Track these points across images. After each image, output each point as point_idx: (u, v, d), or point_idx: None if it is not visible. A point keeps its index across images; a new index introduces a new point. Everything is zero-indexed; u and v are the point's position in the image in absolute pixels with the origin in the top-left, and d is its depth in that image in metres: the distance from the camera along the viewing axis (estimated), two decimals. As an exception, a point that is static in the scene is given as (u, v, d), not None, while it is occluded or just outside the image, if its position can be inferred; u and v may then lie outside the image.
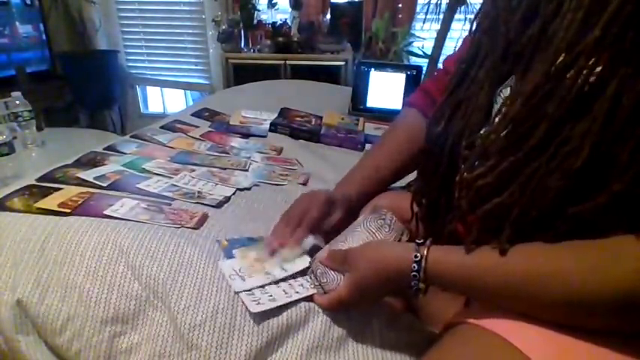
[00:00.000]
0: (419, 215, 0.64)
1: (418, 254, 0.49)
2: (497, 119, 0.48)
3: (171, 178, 0.86)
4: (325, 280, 0.59)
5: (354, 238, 0.61)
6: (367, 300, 0.58)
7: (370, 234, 0.60)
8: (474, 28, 0.58)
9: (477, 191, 0.48)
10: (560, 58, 0.42)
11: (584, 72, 0.40)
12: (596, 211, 0.40)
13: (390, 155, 0.76)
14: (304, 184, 0.97)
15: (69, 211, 0.68)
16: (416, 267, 0.49)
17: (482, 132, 0.52)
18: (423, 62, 2.56)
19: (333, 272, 0.58)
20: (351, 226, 0.64)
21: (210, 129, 1.26)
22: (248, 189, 0.87)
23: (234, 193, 0.84)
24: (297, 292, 0.59)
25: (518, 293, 0.44)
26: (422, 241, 0.51)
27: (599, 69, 0.40)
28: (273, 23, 2.75)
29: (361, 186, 0.74)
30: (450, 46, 2.51)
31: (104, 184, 0.79)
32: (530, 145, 0.43)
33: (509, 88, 0.51)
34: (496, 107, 0.52)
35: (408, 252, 0.50)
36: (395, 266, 0.51)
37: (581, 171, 0.40)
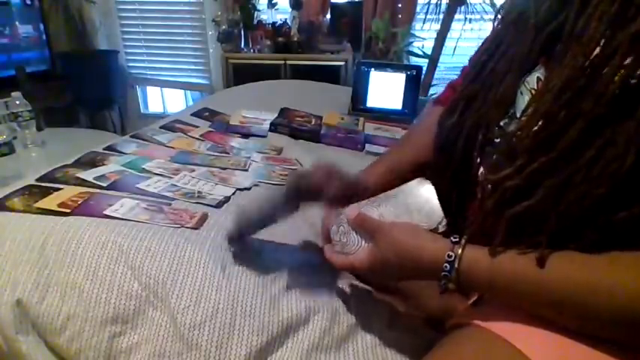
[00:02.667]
0: None
1: (452, 254, 0.46)
2: (525, 115, 0.46)
3: (172, 178, 0.86)
4: (346, 240, 0.57)
5: (388, 208, 0.57)
6: (380, 278, 0.58)
7: (407, 213, 0.56)
8: (497, 21, 0.57)
9: (504, 192, 0.45)
10: (596, 52, 0.40)
11: (622, 69, 0.38)
12: (636, 220, 0.38)
13: (413, 150, 0.73)
14: (304, 184, 0.96)
15: (69, 211, 0.68)
16: (448, 267, 0.46)
17: (502, 125, 0.51)
18: (423, 62, 2.56)
19: (356, 235, 0.56)
20: (390, 192, 0.59)
21: (210, 129, 1.26)
22: (248, 189, 0.87)
23: (234, 193, 0.84)
24: None
25: (559, 303, 0.41)
26: (457, 239, 0.48)
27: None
28: (273, 23, 2.75)
29: (380, 178, 0.71)
30: (450, 46, 2.51)
31: (104, 184, 0.79)
32: (564, 145, 0.41)
33: (535, 77, 0.49)
34: (520, 97, 0.50)
35: (442, 249, 0.47)
36: (426, 262, 0.48)
37: (625, 177, 0.38)
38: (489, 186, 0.49)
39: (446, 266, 0.46)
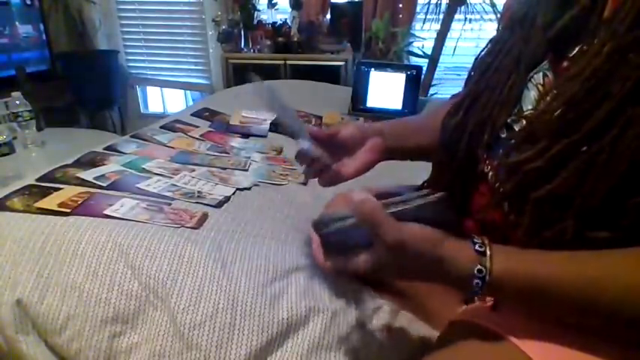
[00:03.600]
0: None
1: (482, 268, 0.43)
2: (545, 101, 0.46)
3: (172, 178, 0.86)
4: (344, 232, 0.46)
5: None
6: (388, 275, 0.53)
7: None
8: (502, 22, 0.58)
9: (525, 176, 0.45)
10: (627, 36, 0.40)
11: None
12: None
13: (425, 127, 0.70)
14: (304, 183, 0.97)
15: (69, 211, 0.68)
16: (479, 283, 0.43)
17: (509, 122, 0.51)
18: (423, 62, 2.56)
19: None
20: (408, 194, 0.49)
21: (210, 129, 1.26)
22: (248, 189, 0.87)
23: (234, 193, 0.84)
24: None
25: (604, 308, 0.40)
26: (482, 247, 0.44)
27: None
28: (273, 23, 2.75)
29: (394, 131, 0.68)
30: (450, 46, 2.52)
31: (104, 184, 0.79)
32: (590, 126, 0.40)
33: (541, 73, 0.50)
34: (527, 93, 0.51)
35: (468, 263, 0.43)
36: (451, 277, 0.44)
37: None
38: (501, 173, 0.48)
39: (477, 282, 0.43)
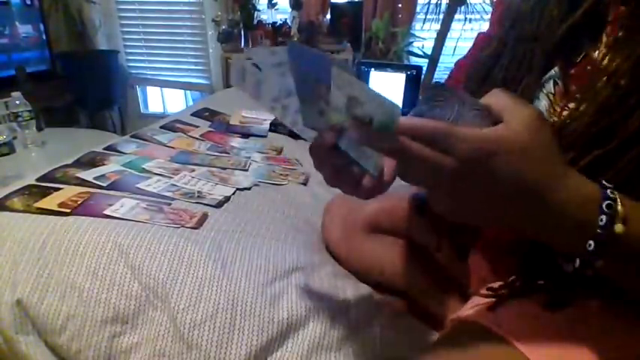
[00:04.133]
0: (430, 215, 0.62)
1: (612, 201, 0.34)
2: (566, 111, 0.44)
3: (171, 178, 0.86)
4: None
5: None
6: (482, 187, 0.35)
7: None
8: (496, 15, 0.56)
9: None
10: None
11: None
12: None
13: None
14: (304, 183, 0.97)
15: (69, 211, 0.68)
16: (604, 219, 0.34)
17: None
18: (423, 62, 2.56)
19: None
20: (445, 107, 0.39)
21: (210, 129, 1.26)
22: (248, 189, 0.87)
23: (234, 193, 0.84)
24: None
25: None
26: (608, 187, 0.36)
27: None
28: (273, 23, 2.75)
29: None
30: (450, 46, 2.52)
31: (104, 184, 0.79)
32: (624, 135, 0.38)
33: (551, 82, 0.48)
34: (537, 102, 0.49)
35: (596, 191, 0.35)
36: (572, 203, 0.35)
37: None
38: None
39: (602, 218, 0.34)
